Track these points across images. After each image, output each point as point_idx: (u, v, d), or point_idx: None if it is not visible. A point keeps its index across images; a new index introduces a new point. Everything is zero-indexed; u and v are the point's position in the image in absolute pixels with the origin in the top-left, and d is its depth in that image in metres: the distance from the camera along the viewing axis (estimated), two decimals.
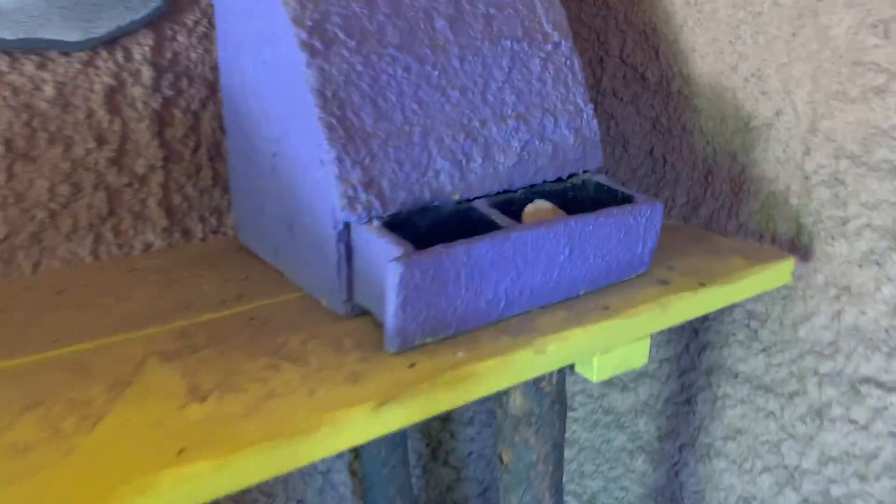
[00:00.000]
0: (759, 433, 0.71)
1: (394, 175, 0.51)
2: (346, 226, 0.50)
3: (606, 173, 0.83)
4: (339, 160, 0.49)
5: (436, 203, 0.53)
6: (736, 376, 0.72)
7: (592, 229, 0.53)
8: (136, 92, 0.66)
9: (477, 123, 0.55)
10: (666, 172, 0.77)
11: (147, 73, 0.66)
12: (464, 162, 0.54)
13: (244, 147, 0.60)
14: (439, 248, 0.47)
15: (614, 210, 0.54)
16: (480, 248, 0.48)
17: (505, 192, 0.57)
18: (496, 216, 0.53)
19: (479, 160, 0.55)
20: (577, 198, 0.61)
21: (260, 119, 0.56)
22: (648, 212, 0.56)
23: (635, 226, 0.56)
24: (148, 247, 0.70)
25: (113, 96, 0.65)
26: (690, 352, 0.76)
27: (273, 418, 0.41)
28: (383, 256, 0.48)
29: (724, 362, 0.73)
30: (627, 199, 0.57)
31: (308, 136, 0.50)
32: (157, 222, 0.70)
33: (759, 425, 0.70)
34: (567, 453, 0.90)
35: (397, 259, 0.45)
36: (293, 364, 0.46)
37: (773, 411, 0.69)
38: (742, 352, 0.71)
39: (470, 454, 0.99)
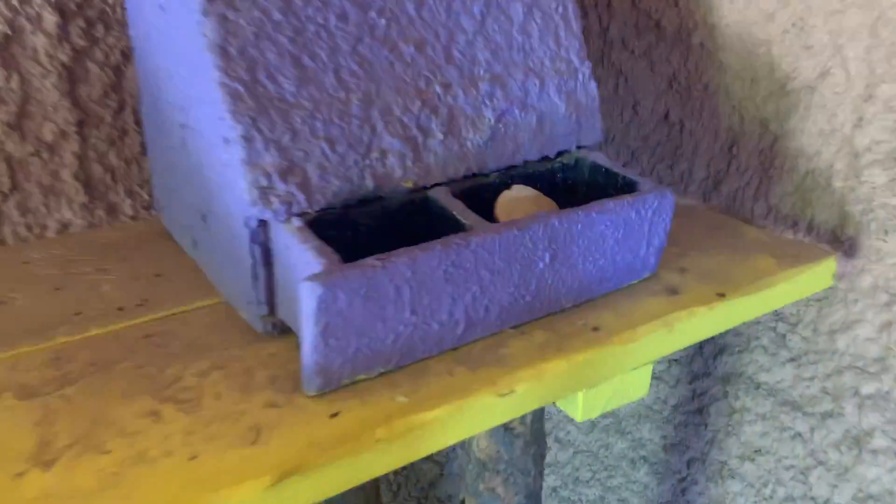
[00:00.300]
0: (782, 456, 0.60)
1: (323, 158, 0.39)
2: (263, 223, 0.39)
3: (612, 141, 0.71)
4: (247, 139, 0.37)
5: (382, 193, 0.41)
6: (758, 387, 0.61)
7: (582, 228, 0.41)
8: (38, 41, 0.55)
9: (438, 88, 0.43)
10: (683, 141, 0.64)
11: (50, 19, 0.54)
12: (419, 139, 0.42)
13: (155, 113, 0.49)
14: (371, 261, 0.35)
15: (611, 203, 0.42)
16: (429, 259, 0.37)
17: (474, 175, 0.45)
18: (459, 210, 0.41)
19: (440, 136, 0.43)
20: (567, 181, 0.49)
21: (166, 81, 0.45)
22: (656, 203, 0.44)
23: (639, 221, 0.44)
24: (65, 227, 0.59)
25: (7, 47, 0.54)
26: (704, 354, 0.65)
27: (132, 498, 0.30)
28: (302, 268, 0.37)
29: (744, 370, 0.62)
30: (630, 186, 0.45)
31: (210, 106, 0.38)
32: (74, 198, 0.59)
33: (784, 447, 0.60)
34: (561, 456, 0.80)
35: (314, 278, 0.34)
36: (181, 409, 0.36)
37: (802, 433, 0.58)
38: (766, 359, 0.60)
39: (454, 448, 0.89)
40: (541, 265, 0.41)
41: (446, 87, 0.43)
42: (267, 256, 0.40)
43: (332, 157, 0.39)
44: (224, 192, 0.40)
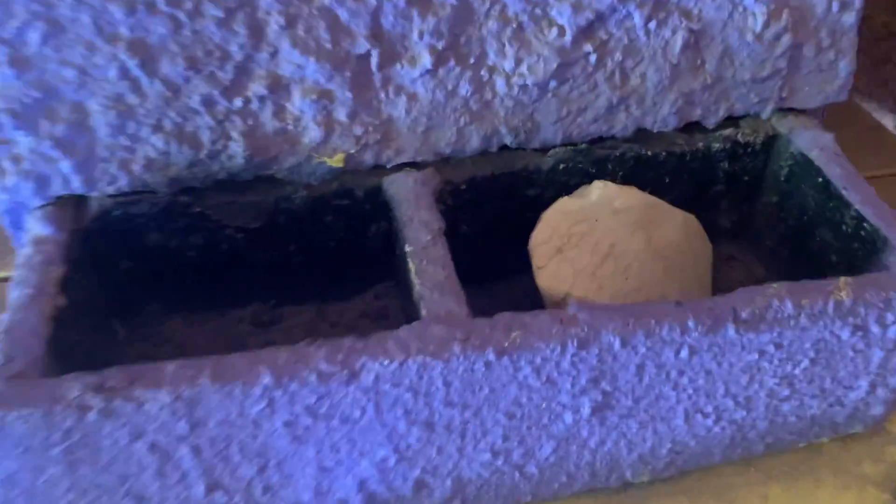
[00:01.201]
0: None
1: (129, 88, 0.18)
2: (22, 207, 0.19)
3: None
4: None
5: (273, 173, 0.19)
6: None
7: (687, 357, 0.17)
8: None
9: None
10: None
11: None
12: (373, 63, 0.19)
13: None
14: (84, 391, 0.14)
15: (788, 304, 0.17)
16: (237, 401, 0.15)
17: (505, 149, 0.21)
18: (421, 244, 0.18)
19: (428, 58, 0.19)
20: (741, 178, 0.23)
21: None
22: None
23: (861, 345, 0.18)
24: None
25: None
26: None
27: None
28: None
29: None
30: (869, 241, 0.19)
31: None
32: None
33: None
34: None
35: None
36: None
37: None
38: None
39: None
40: (568, 419, 0.17)
41: None
42: None
43: (148, 89, 0.18)
44: None
